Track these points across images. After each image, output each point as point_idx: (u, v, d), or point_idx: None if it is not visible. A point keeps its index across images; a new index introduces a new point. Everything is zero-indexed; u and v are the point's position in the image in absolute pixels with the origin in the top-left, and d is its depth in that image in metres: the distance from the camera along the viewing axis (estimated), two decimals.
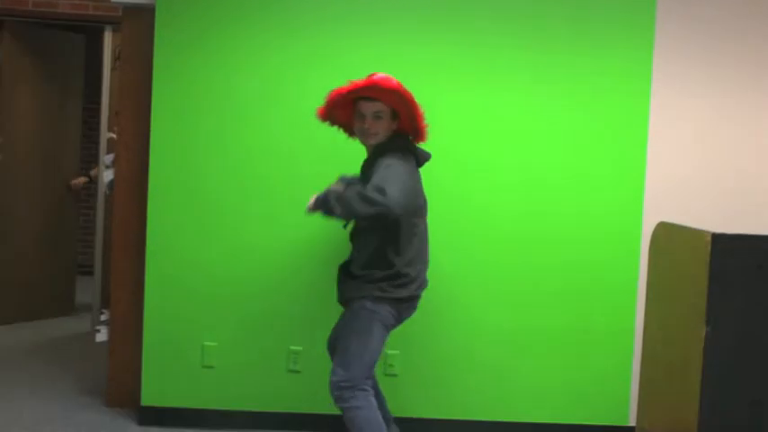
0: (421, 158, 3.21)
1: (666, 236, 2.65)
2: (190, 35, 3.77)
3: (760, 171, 3.93)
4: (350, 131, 3.32)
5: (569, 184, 3.85)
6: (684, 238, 2.48)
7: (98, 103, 6.17)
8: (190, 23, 3.77)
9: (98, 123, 6.24)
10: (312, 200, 2.96)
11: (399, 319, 3.14)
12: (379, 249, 3.07)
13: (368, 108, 3.07)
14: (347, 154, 3.72)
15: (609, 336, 3.87)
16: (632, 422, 3.87)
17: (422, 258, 3.18)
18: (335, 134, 3.73)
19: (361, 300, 3.07)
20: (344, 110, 3.19)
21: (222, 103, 3.79)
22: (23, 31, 5.81)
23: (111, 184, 4.83)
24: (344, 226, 3.28)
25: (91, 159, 8.00)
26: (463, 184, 3.83)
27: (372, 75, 3.08)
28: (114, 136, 5.13)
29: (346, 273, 3.20)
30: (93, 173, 6.28)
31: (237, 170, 3.81)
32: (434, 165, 3.80)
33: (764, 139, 3.93)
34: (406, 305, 3.13)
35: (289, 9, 3.78)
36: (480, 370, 3.87)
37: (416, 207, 3.10)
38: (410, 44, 3.79)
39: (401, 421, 3.70)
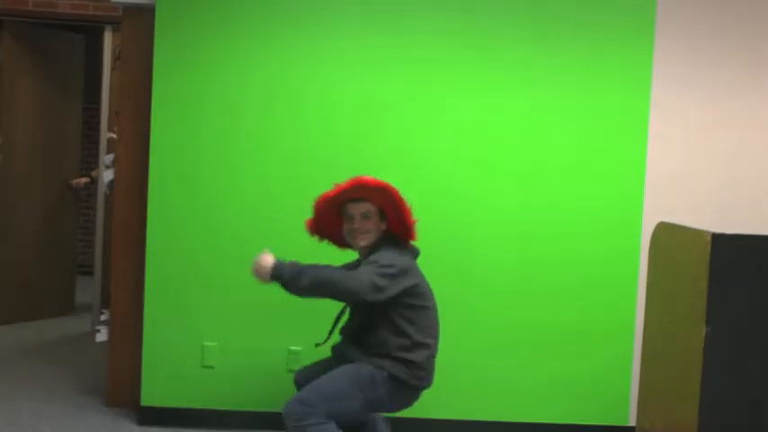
0: (413, 254, 3.14)
1: (666, 236, 2.64)
2: (190, 35, 3.77)
3: (760, 172, 3.93)
4: (339, 242, 3.25)
5: (569, 184, 3.85)
6: (684, 238, 2.48)
7: (98, 103, 6.19)
8: (190, 23, 3.77)
9: (98, 123, 6.25)
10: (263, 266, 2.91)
11: (388, 407, 3.02)
12: (392, 325, 2.99)
13: (356, 209, 3.03)
14: (347, 155, 3.73)
15: (609, 335, 3.87)
16: (632, 422, 3.87)
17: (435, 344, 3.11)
18: (336, 135, 3.73)
19: (369, 365, 2.97)
20: (332, 218, 3.14)
21: (222, 103, 3.79)
22: (23, 31, 5.81)
23: (111, 184, 4.83)
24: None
25: (91, 159, 8.00)
26: (463, 184, 3.83)
27: (356, 177, 3.01)
28: (114, 136, 5.14)
29: (354, 340, 3.08)
30: (94, 174, 6.28)
31: (237, 170, 3.81)
32: (436, 164, 3.80)
33: (764, 140, 3.93)
34: (409, 394, 3.03)
35: (289, 9, 3.78)
36: (480, 369, 3.87)
37: (397, 291, 2.94)
38: (410, 45, 3.79)
39: (401, 422, 3.70)
